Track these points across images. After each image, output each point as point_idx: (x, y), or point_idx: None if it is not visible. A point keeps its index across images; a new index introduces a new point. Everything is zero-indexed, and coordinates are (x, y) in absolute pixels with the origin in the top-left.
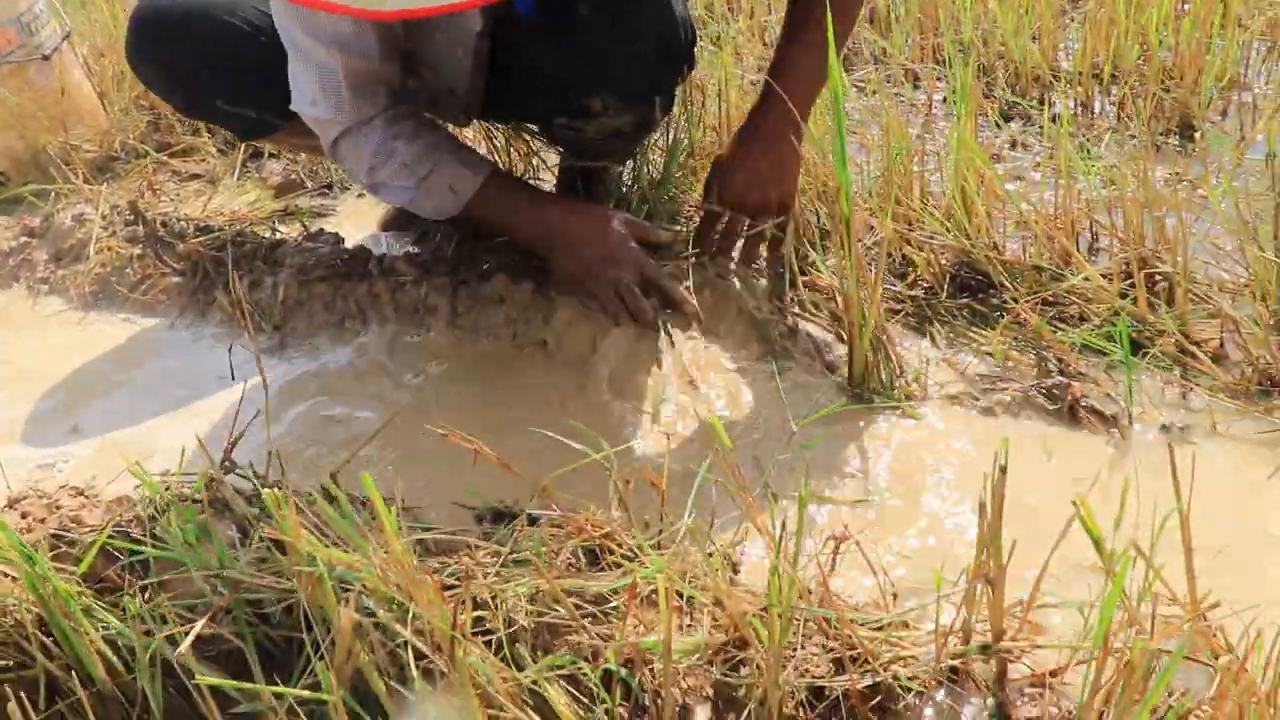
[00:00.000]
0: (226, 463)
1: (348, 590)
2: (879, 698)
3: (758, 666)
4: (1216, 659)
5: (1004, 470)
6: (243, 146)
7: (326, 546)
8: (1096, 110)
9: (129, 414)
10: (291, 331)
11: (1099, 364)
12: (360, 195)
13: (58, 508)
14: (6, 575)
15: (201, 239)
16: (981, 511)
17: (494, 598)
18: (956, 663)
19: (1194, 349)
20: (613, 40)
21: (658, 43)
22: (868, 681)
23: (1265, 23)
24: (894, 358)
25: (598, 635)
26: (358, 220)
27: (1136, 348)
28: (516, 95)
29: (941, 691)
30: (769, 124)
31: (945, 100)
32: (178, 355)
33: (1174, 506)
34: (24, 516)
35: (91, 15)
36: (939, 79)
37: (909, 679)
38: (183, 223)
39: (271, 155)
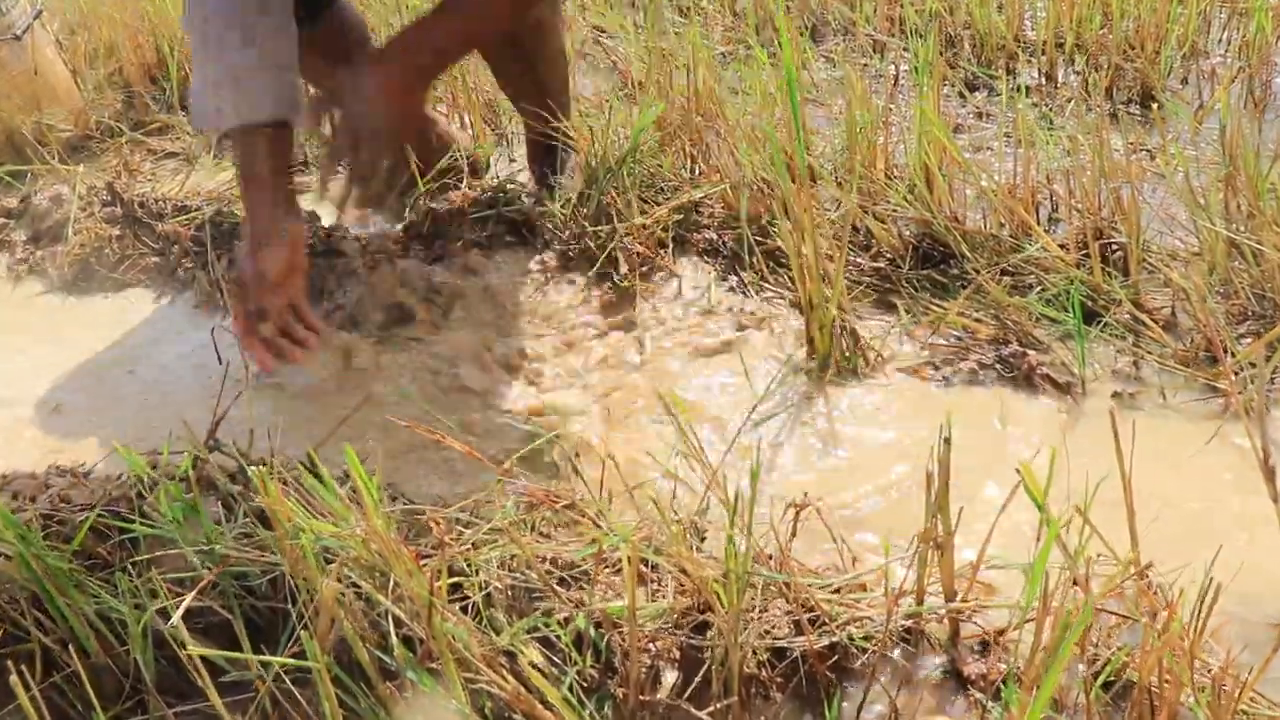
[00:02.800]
0: (211, 441)
1: (331, 562)
2: (836, 657)
3: (719, 630)
4: (1155, 615)
5: (948, 441)
6: None
7: (309, 516)
8: (1060, 80)
9: (112, 394)
10: None
11: (1055, 332)
12: (336, 173)
13: (47, 486)
14: (1, 555)
15: (180, 219)
16: (928, 480)
17: (469, 564)
18: (909, 623)
19: (1146, 318)
20: None
21: None
22: (825, 642)
23: None
24: (854, 332)
25: (569, 600)
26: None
27: (1091, 316)
28: None
29: (896, 650)
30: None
31: (913, 70)
32: (158, 334)
33: (1119, 478)
34: (15, 496)
35: None
36: (905, 50)
37: (864, 639)
38: (160, 203)
39: None
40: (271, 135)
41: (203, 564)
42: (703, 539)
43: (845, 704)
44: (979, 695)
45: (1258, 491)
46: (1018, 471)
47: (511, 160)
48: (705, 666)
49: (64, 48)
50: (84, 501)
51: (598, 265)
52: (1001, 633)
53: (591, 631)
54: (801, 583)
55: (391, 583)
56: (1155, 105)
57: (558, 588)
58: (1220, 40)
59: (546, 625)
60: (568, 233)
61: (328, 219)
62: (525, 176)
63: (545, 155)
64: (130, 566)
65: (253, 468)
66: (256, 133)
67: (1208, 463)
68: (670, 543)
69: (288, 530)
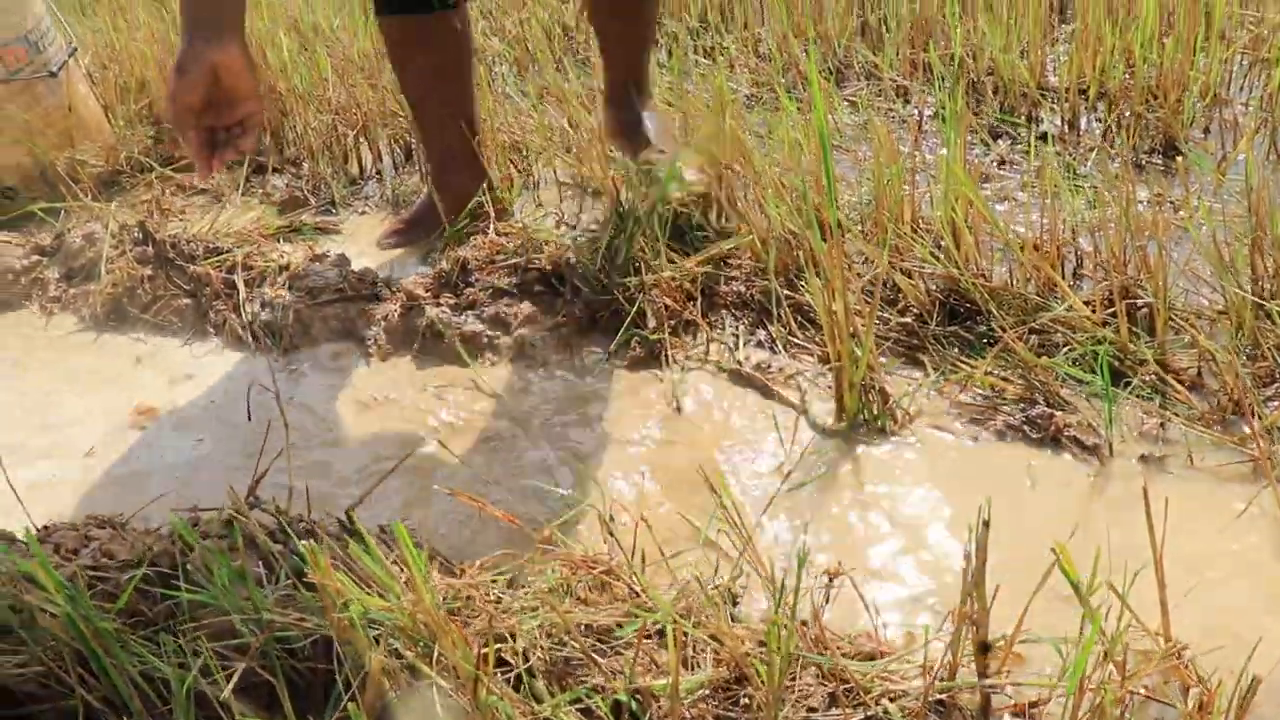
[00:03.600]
0: (250, 499)
1: (376, 628)
2: None
3: (758, 704)
4: (1187, 691)
5: (986, 524)
6: (247, 160)
7: (356, 586)
8: (1083, 127)
9: (146, 441)
10: (302, 354)
11: (1081, 392)
12: (363, 213)
13: (88, 540)
14: (45, 611)
15: (211, 261)
16: (966, 559)
17: (511, 634)
18: (944, 696)
19: (1172, 379)
20: None
21: None
22: (860, 715)
23: (1249, 38)
24: (883, 390)
25: (608, 669)
26: (361, 240)
27: (1118, 376)
28: None
29: None
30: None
31: (935, 115)
32: (191, 379)
33: (1148, 545)
34: (57, 549)
35: (93, 25)
36: (929, 95)
37: (900, 712)
38: (192, 244)
39: (275, 170)
40: None
41: (248, 628)
42: (735, 603)
43: None
44: None
45: None
46: (1053, 551)
47: (538, 204)
48: None
49: (96, 82)
50: (126, 557)
51: (628, 321)
52: (1034, 705)
53: (631, 703)
54: (840, 663)
55: (436, 653)
56: (1178, 156)
57: (597, 657)
58: (1242, 88)
59: (589, 697)
60: (596, 284)
61: (359, 262)
62: (551, 222)
63: (626, 104)
64: (173, 625)
65: (304, 542)
66: None
67: (1239, 530)
68: (708, 613)
69: (335, 602)
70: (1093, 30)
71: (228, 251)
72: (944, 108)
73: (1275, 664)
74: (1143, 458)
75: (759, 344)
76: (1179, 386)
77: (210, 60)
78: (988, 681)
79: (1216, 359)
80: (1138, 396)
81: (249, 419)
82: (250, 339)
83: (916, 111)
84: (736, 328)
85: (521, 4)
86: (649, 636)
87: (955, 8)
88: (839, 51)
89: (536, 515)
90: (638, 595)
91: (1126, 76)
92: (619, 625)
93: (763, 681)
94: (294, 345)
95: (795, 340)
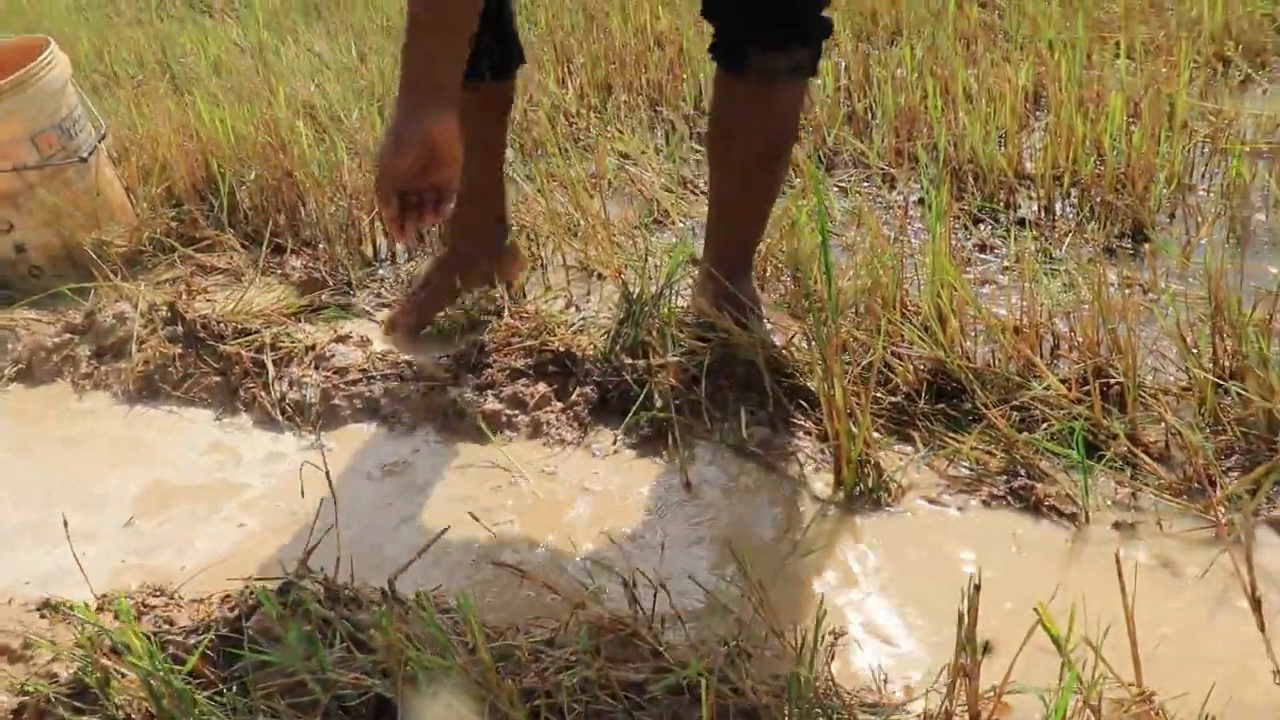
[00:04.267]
0: (301, 569)
1: (433, 687)
2: None
3: None
4: None
5: (978, 588)
6: (266, 241)
7: (414, 648)
8: (1058, 213)
9: (185, 512)
10: (331, 432)
11: (1060, 464)
12: (378, 295)
13: (146, 607)
14: (120, 672)
15: (240, 341)
16: (960, 617)
17: (550, 691)
18: None
19: (1141, 452)
20: None
21: None
22: None
23: (1209, 128)
24: (878, 465)
25: None
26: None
27: (1092, 449)
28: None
29: None
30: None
31: (920, 201)
32: (224, 452)
33: (1121, 604)
34: (116, 617)
35: (114, 109)
36: (914, 182)
37: None
38: (221, 324)
39: (293, 251)
40: (450, 36)
41: (315, 685)
42: (749, 657)
43: None
44: None
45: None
46: (1036, 611)
47: (546, 288)
48: None
49: (119, 165)
50: (186, 624)
51: (638, 404)
52: None
53: None
54: (854, 713)
55: (487, 708)
56: (1146, 241)
57: (633, 711)
58: (1204, 175)
59: None
60: (607, 365)
61: (380, 344)
62: (560, 304)
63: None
64: (234, 684)
65: (376, 607)
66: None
67: (1202, 590)
68: (727, 669)
69: (399, 663)
70: (1065, 121)
71: (256, 332)
72: (929, 194)
73: (1228, 702)
74: (1116, 524)
75: (759, 423)
76: (1148, 459)
77: (429, 131)
78: None
79: (1182, 434)
80: (1111, 468)
81: (302, 495)
82: (280, 416)
83: (902, 197)
84: (738, 408)
85: (525, 90)
86: (678, 692)
87: (937, 100)
88: (829, 140)
89: (561, 582)
90: (660, 654)
91: (1097, 165)
92: (647, 681)
93: None
94: (321, 423)
95: (794, 420)
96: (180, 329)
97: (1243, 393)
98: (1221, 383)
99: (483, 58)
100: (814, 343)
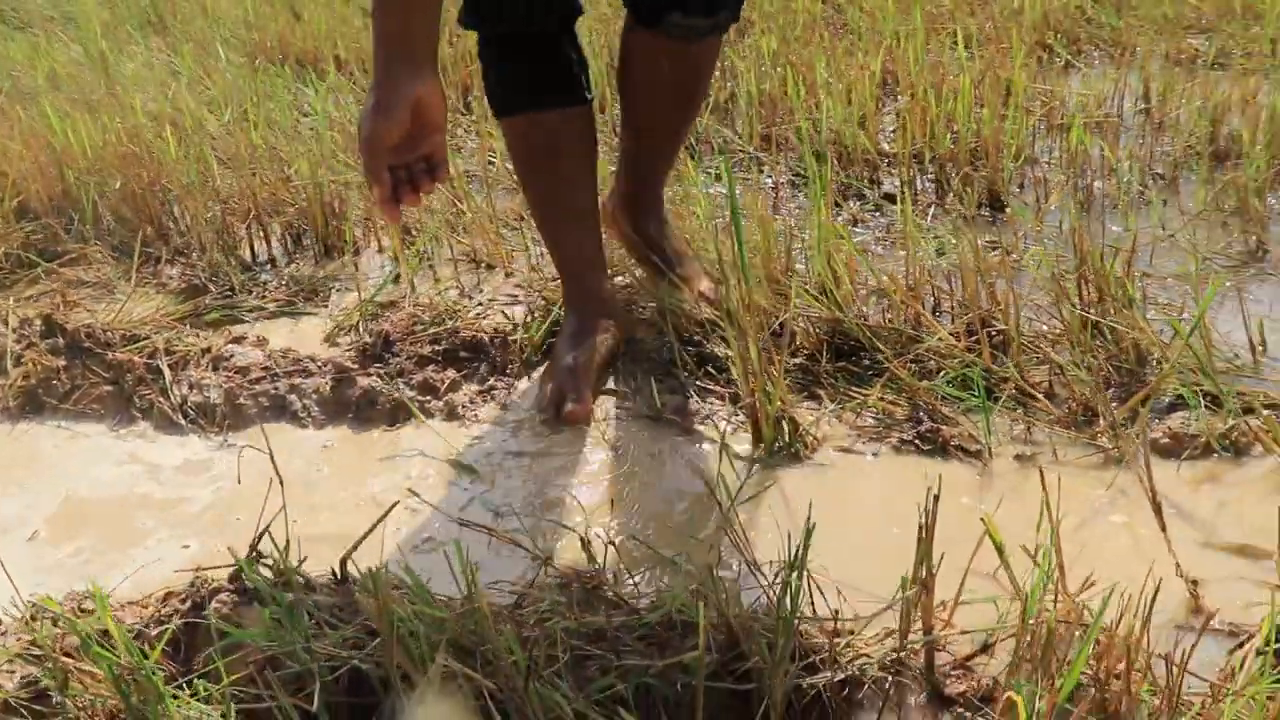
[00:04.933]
0: (254, 554)
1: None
2: (847, 690)
3: (763, 674)
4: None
5: (937, 498)
6: (138, 252)
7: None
8: (919, 187)
9: (114, 530)
10: (240, 431)
11: (959, 408)
12: (263, 297)
13: (83, 612)
14: (83, 671)
15: (131, 348)
16: (919, 531)
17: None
18: (901, 655)
19: (1031, 390)
20: None
21: None
22: (839, 677)
23: (1043, 109)
24: (794, 420)
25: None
26: (273, 324)
27: (987, 392)
28: None
29: (889, 679)
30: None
31: (788, 183)
32: (139, 462)
33: (1032, 528)
34: (55, 623)
35: None
36: (780, 165)
37: (875, 666)
38: (108, 332)
39: (168, 261)
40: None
41: (300, 654)
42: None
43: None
44: (962, 710)
45: (1147, 524)
46: (982, 520)
47: (435, 280)
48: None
49: None
50: (134, 622)
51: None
52: (971, 657)
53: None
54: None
55: (480, 661)
56: (1004, 209)
57: (624, 650)
58: (1044, 149)
59: (622, 683)
60: (515, 346)
61: (281, 341)
62: (454, 294)
63: (653, 209)
64: (198, 675)
65: (365, 568)
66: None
67: (1103, 506)
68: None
69: (389, 622)
70: (920, 102)
71: (145, 338)
72: (810, 168)
73: (1141, 596)
74: (1017, 457)
75: (670, 391)
76: (1039, 397)
77: (414, 94)
78: (933, 636)
79: (1065, 371)
80: (1005, 408)
81: (239, 481)
82: (183, 420)
83: (771, 180)
84: (648, 379)
85: None
86: (668, 627)
87: (799, 87)
88: (699, 129)
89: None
90: (625, 604)
91: (952, 142)
92: (624, 626)
93: (764, 660)
94: (228, 424)
95: (704, 386)
96: (61, 341)
97: (1116, 327)
98: (1099, 319)
99: (574, 71)
100: (725, 307)
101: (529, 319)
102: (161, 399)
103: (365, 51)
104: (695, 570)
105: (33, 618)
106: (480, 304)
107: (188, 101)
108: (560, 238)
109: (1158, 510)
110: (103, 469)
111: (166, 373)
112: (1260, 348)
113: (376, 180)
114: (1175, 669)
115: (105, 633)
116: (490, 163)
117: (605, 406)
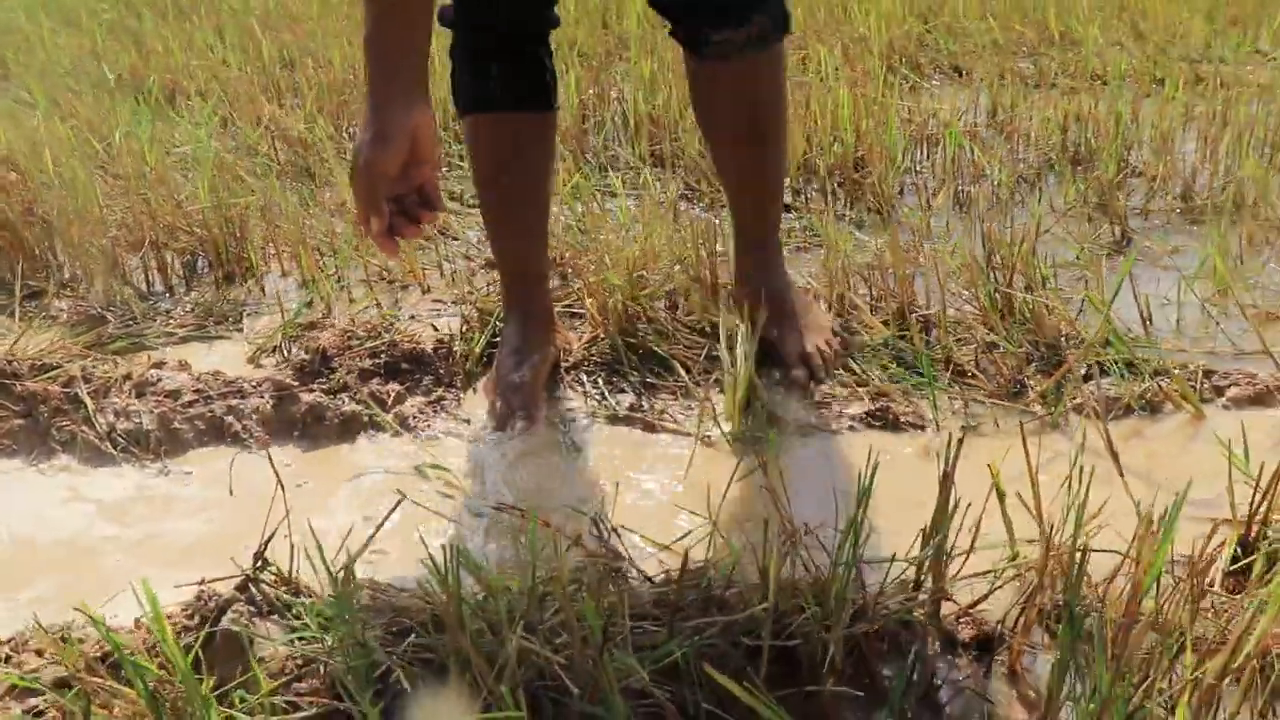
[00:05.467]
0: (259, 563)
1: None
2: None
3: (814, 627)
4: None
5: (960, 441)
6: (19, 286)
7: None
8: (808, 197)
9: (62, 564)
10: (181, 458)
11: (899, 388)
12: (169, 324)
13: (80, 640)
14: (109, 689)
15: (43, 378)
16: (942, 480)
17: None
18: (921, 602)
19: (970, 368)
20: None
21: None
22: (874, 627)
23: (914, 123)
24: (765, 406)
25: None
26: (186, 349)
27: (920, 373)
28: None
29: (912, 628)
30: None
31: (683, 197)
32: (84, 499)
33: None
34: (40, 654)
35: None
36: (674, 178)
37: (897, 621)
38: (14, 362)
39: (55, 294)
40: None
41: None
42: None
43: (887, 669)
44: (974, 653)
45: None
46: (989, 467)
47: (351, 301)
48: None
49: None
50: (145, 641)
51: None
52: (974, 604)
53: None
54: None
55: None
56: (890, 212)
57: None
58: (918, 157)
59: (680, 649)
60: (456, 356)
61: (200, 366)
62: (374, 312)
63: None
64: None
65: (452, 530)
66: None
67: (1045, 465)
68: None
69: (458, 608)
70: (812, 113)
71: (57, 367)
72: (689, 189)
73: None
74: (962, 428)
75: (621, 392)
76: (976, 373)
77: (412, 123)
78: (942, 589)
79: (997, 348)
80: (942, 387)
81: (230, 493)
82: (113, 449)
83: (664, 193)
84: (596, 381)
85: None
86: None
87: (681, 108)
88: (597, 149)
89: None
90: (650, 580)
91: (840, 154)
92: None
93: (813, 617)
94: (164, 450)
95: (651, 384)
96: None
97: (1031, 307)
98: (1023, 297)
99: (546, 79)
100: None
101: (465, 329)
102: (85, 429)
103: (224, 81)
104: (726, 538)
105: (62, 639)
106: (412, 318)
107: (59, 129)
108: (506, 244)
109: (1114, 455)
110: (43, 507)
111: (88, 401)
112: (1149, 321)
113: (376, 212)
114: (1194, 577)
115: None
116: None
117: (559, 410)
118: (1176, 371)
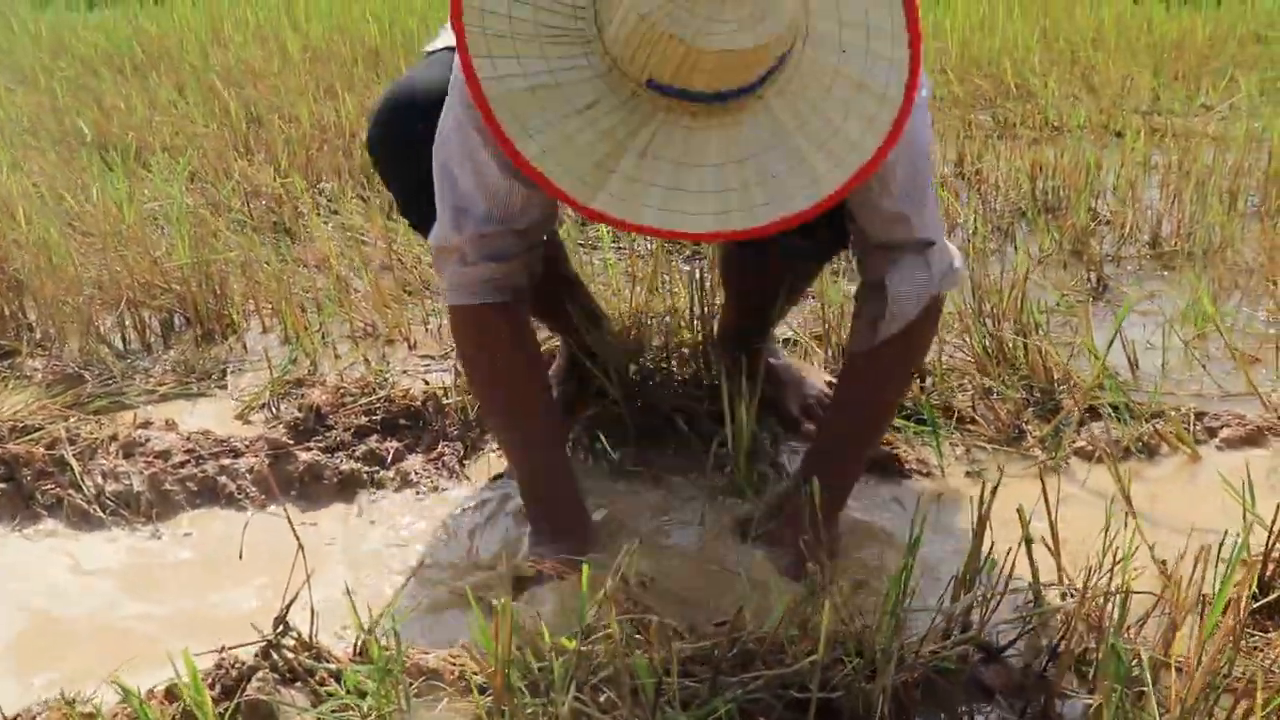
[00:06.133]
0: (281, 628)
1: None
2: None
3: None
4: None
5: (994, 491)
6: None
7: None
8: None
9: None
10: (168, 522)
11: (901, 437)
12: (149, 382)
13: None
14: None
15: (25, 440)
16: (977, 525)
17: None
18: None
19: (971, 415)
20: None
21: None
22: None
23: None
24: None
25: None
26: (170, 408)
27: (921, 421)
28: None
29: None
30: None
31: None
32: (94, 574)
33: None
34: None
35: None
36: None
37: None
38: None
39: (28, 355)
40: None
41: None
42: None
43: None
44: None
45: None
46: (1018, 512)
47: (337, 356)
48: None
49: None
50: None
51: None
52: (1004, 650)
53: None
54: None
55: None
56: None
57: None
58: None
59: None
60: (451, 410)
61: (186, 424)
62: (359, 370)
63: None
64: None
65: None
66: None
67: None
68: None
69: (506, 652)
70: None
71: (40, 429)
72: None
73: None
74: (967, 473)
75: (623, 444)
76: (977, 419)
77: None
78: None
79: (994, 394)
80: (944, 433)
81: (240, 557)
82: (102, 513)
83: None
84: (596, 435)
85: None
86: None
87: None
88: None
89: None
90: (681, 635)
91: None
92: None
93: (860, 661)
94: (155, 512)
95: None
96: None
97: (1022, 353)
98: (1022, 342)
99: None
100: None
101: (459, 381)
102: (72, 492)
103: (191, 137)
104: (749, 584)
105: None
106: (404, 373)
107: (26, 186)
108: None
109: (1127, 498)
110: (34, 574)
111: (74, 463)
112: (1135, 365)
113: None
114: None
115: None
116: (364, 241)
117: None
118: (1173, 414)
